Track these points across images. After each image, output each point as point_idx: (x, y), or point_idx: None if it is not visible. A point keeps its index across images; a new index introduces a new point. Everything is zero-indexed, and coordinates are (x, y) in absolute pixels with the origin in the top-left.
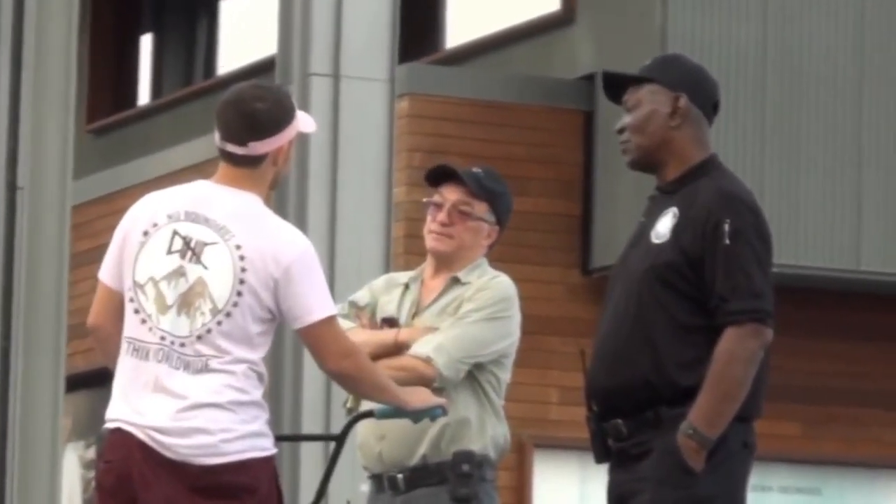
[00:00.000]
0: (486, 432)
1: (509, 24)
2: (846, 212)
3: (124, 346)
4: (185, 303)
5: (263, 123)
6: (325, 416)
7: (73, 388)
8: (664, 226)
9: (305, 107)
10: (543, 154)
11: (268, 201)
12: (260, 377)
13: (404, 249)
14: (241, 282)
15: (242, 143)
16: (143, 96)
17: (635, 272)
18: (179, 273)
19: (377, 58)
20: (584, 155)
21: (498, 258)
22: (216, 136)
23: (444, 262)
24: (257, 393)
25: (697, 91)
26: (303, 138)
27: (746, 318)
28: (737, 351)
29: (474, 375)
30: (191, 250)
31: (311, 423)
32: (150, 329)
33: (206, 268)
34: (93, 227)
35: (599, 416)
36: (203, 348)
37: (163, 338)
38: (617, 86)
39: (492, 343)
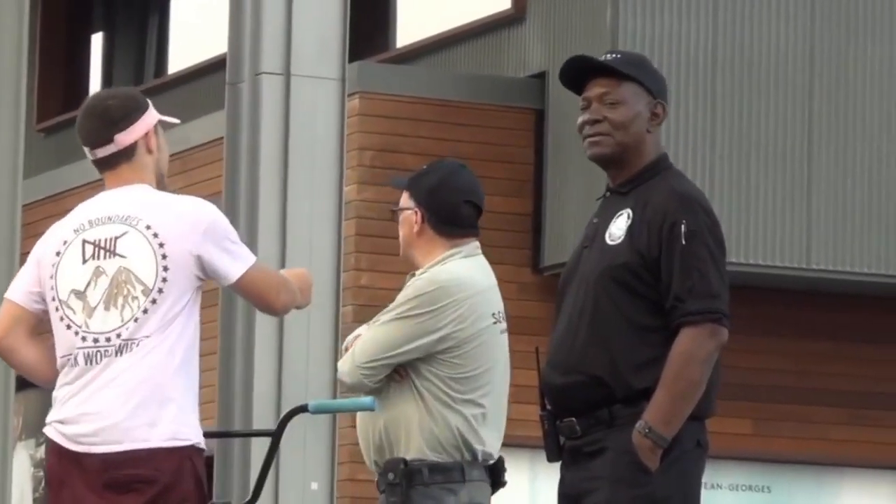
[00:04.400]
0: (418, 434)
1: (460, 23)
2: (796, 210)
3: (60, 363)
4: (112, 296)
5: (120, 114)
6: (276, 412)
7: (23, 386)
8: (618, 227)
9: (256, 105)
10: (495, 152)
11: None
12: (183, 364)
13: (355, 248)
14: (164, 256)
15: (109, 139)
16: None
17: (590, 273)
18: (98, 273)
19: (328, 56)
20: (535, 153)
21: None
22: (86, 152)
23: (414, 267)
24: (178, 380)
25: (667, 98)
26: (255, 137)
27: (703, 319)
28: (693, 351)
29: (410, 376)
30: (103, 249)
31: (262, 419)
32: (83, 337)
33: (123, 256)
34: (42, 226)
35: (553, 414)
36: (137, 332)
37: (96, 340)
38: (576, 74)
39: (402, 343)
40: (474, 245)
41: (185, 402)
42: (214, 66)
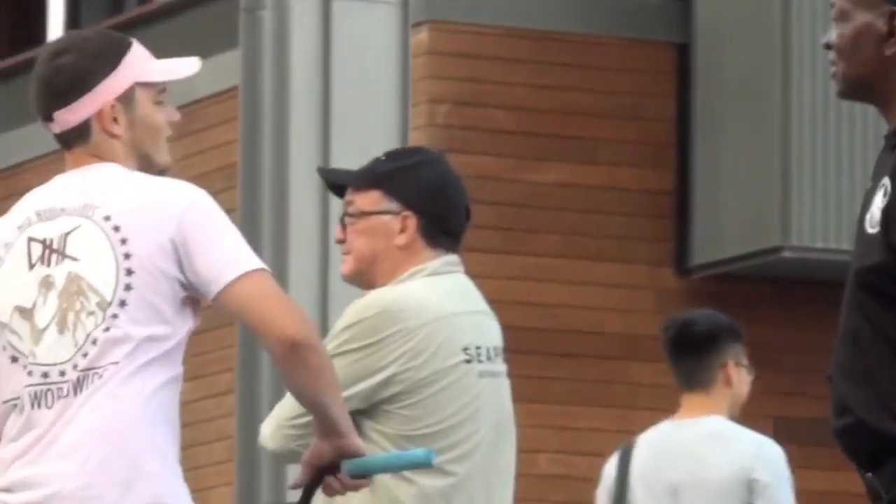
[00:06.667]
0: None
1: None
2: None
3: (3, 411)
4: (63, 314)
5: (63, 83)
6: None
7: None
8: (877, 206)
9: (284, 41)
10: (620, 106)
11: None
12: (166, 403)
13: None
14: (127, 256)
15: (49, 117)
16: (55, 31)
17: (851, 273)
18: (47, 284)
19: None
20: (678, 106)
21: (555, 253)
22: None
23: (368, 289)
24: (158, 424)
25: None
26: (283, 86)
27: None
28: None
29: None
30: (52, 250)
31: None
32: (30, 371)
33: (75, 259)
34: None
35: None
36: (99, 359)
37: (45, 374)
38: None
39: None
40: (445, 261)
41: (170, 455)
42: None
